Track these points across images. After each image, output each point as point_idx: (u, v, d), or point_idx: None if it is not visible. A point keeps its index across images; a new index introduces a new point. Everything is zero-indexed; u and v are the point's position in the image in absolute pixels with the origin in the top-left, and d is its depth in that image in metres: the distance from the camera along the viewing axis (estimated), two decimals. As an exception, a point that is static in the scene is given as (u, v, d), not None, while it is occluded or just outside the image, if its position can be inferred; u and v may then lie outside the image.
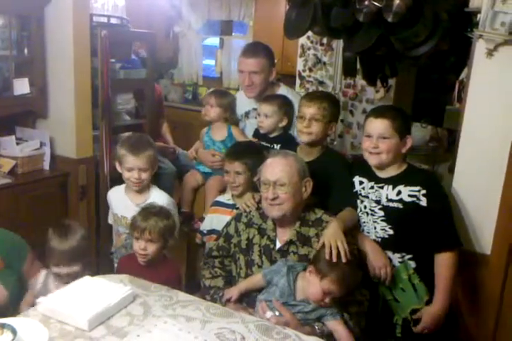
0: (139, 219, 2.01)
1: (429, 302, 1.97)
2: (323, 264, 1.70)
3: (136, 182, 2.25)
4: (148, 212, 2.04)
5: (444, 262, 1.96)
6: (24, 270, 2.03)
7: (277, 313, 1.71)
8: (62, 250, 1.92)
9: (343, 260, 1.70)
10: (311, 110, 2.14)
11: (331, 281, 1.66)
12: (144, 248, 1.97)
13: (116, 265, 2.30)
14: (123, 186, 2.38)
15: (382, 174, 2.05)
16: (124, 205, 2.32)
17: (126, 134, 3.43)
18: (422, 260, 2.01)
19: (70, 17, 2.96)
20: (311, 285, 1.70)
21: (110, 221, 2.47)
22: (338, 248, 1.72)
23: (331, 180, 2.11)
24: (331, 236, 1.77)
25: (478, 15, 1.97)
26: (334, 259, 1.70)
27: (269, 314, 1.70)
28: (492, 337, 2.11)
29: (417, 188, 1.96)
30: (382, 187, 2.03)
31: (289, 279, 1.75)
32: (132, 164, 2.23)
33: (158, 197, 2.28)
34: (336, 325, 1.70)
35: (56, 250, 1.92)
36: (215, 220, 2.34)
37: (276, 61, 2.78)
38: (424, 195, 1.95)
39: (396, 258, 2.01)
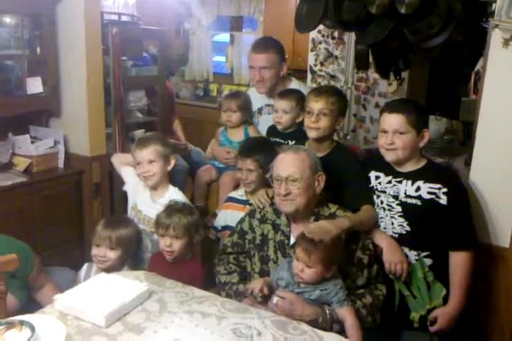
0: (162, 216, 2.03)
1: (445, 299, 1.96)
2: (302, 235, 1.74)
3: (146, 176, 2.26)
4: (172, 208, 2.06)
5: (460, 262, 1.93)
6: (30, 279, 2.01)
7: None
8: (106, 234, 2.07)
9: (316, 237, 1.69)
10: (318, 105, 2.11)
11: (301, 249, 1.70)
12: (169, 244, 1.99)
13: None
14: None
15: (401, 168, 2.02)
16: (143, 198, 2.33)
17: (139, 131, 3.47)
18: (438, 258, 1.98)
19: (81, 15, 2.97)
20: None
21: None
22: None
23: (343, 176, 2.09)
24: (325, 222, 1.78)
25: (494, 5, 1.94)
26: (309, 235, 1.70)
27: (275, 299, 1.71)
28: (510, 334, 2.08)
29: (438, 186, 1.93)
30: (400, 182, 2.00)
31: (291, 270, 1.76)
32: (139, 157, 2.26)
33: (174, 194, 2.28)
34: (344, 313, 1.70)
35: (99, 231, 2.09)
36: (228, 216, 2.34)
37: (287, 56, 2.76)
38: (444, 193, 1.92)
39: (412, 255, 1.99)
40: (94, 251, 2.09)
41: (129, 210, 2.43)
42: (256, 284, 1.79)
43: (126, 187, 2.46)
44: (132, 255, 2.19)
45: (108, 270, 2.05)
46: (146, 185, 2.31)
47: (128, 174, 2.44)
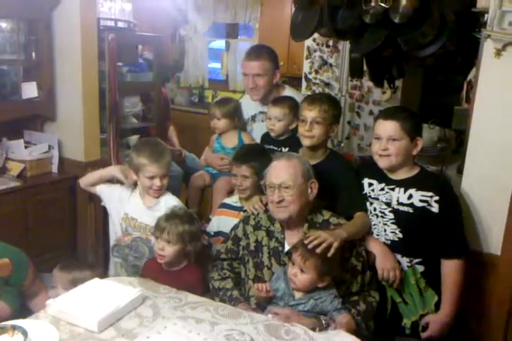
0: (162, 219, 2.04)
1: (437, 306, 1.97)
2: (302, 242, 1.76)
3: (158, 190, 2.24)
4: (173, 213, 2.06)
5: (451, 270, 1.95)
6: (25, 287, 2.00)
7: None
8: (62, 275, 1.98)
9: (317, 250, 1.71)
10: (312, 113, 2.13)
11: (298, 253, 1.73)
12: (161, 248, 1.98)
13: (116, 259, 2.31)
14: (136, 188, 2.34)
15: (394, 176, 2.03)
16: (136, 207, 2.30)
17: (134, 137, 3.46)
18: (430, 264, 2.00)
19: (77, 21, 2.98)
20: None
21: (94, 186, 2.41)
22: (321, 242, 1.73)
23: (337, 183, 2.10)
24: (325, 233, 1.78)
25: (486, 15, 1.96)
26: (310, 246, 1.71)
27: (270, 316, 1.71)
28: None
29: (430, 194, 1.95)
30: (393, 189, 2.02)
31: (286, 280, 1.78)
32: (154, 173, 2.20)
33: (169, 200, 2.27)
34: (341, 320, 1.71)
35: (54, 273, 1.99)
36: (222, 222, 2.34)
37: (281, 63, 2.79)
38: (436, 202, 1.94)
39: (405, 262, 2.00)
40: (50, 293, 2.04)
41: (115, 223, 2.35)
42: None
43: (105, 203, 2.40)
44: None
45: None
46: (152, 195, 2.27)
47: (103, 191, 2.37)
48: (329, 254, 1.71)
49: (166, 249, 1.98)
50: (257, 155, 2.28)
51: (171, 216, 2.04)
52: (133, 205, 2.31)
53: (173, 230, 1.98)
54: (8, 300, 1.86)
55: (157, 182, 2.21)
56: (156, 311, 1.65)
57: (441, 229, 1.95)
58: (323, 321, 1.71)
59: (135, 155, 2.24)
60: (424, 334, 1.95)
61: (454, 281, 1.94)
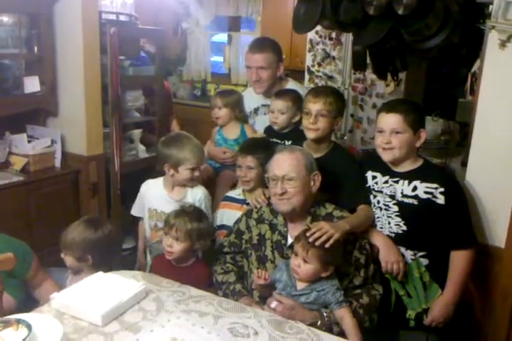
0: (171, 215, 2.04)
1: None
2: (303, 232, 1.77)
3: (196, 179, 2.31)
4: (182, 210, 2.06)
5: (460, 260, 1.94)
6: (29, 278, 2.01)
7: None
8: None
9: (316, 242, 1.70)
10: (316, 106, 2.12)
11: (300, 244, 1.73)
12: (169, 244, 1.99)
13: (149, 261, 2.32)
14: (159, 181, 2.36)
15: (398, 168, 2.03)
16: (163, 200, 2.30)
17: (137, 131, 3.45)
18: (434, 258, 1.99)
19: (78, 14, 2.97)
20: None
21: (134, 212, 2.45)
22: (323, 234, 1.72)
23: (341, 176, 2.10)
24: (327, 225, 1.77)
25: (490, 7, 1.95)
26: (310, 239, 1.71)
27: (273, 304, 1.72)
28: (506, 333, 2.09)
29: (434, 185, 1.94)
30: (397, 182, 2.01)
31: (288, 272, 1.78)
32: (197, 164, 2.27)
33: (195, 189, 2.31)
34: (342, 314, 1.71)
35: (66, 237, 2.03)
36: (225, 215, 2.34)
37: (284, 56, 2.77)
38: (441, 193, 1.93)
39: (409, 255, 2.00)
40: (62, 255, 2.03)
41: (146, 226, 2.36)
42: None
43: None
44: (103, 259, 2.04)
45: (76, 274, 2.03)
46: (189, 186, 2.32)
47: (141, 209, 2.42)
48: (327, 245, 1.70)
49: (174, 246, 1.98)
50: (262, 147, 2.28)
51: (180, 212, 2.03)
52: (158, 200, 2.31)
53: (182, 227, 1.98)
54: (13, 292, 1.87)
55: (197, 172, 2.28)
56: (160, 305, 1.66)
57: (448, 221, 1.94)
58: (325, 314, 1.71)
59: (176, 151, 2.26)
60: (426, 320, 1.95)
61: (460, 269, 1.94)
